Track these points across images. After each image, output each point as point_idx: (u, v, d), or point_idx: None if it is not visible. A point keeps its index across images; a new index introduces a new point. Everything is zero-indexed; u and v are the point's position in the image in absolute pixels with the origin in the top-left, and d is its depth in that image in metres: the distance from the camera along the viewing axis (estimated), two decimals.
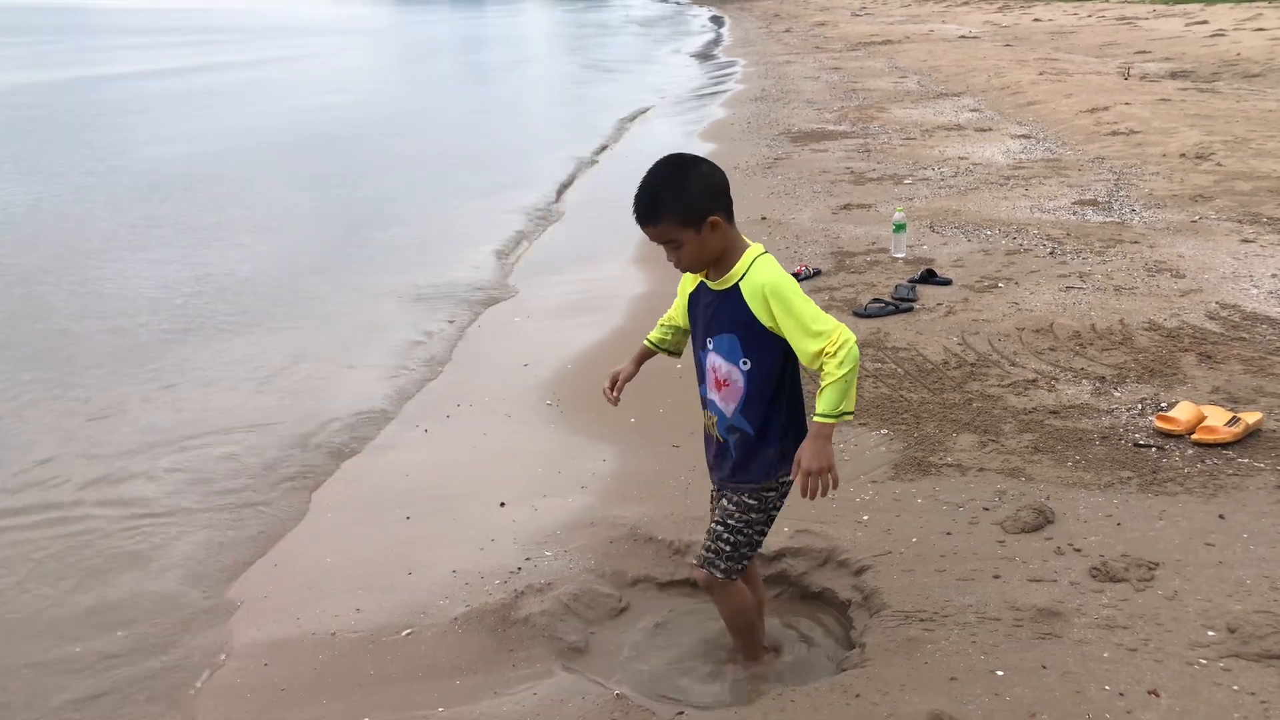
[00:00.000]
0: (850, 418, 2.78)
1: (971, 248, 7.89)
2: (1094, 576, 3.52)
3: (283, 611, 3.81)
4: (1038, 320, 6.09)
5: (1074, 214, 8.85)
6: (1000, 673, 3.04)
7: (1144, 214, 8.72)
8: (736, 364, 2.94)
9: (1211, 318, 6.02)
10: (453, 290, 7.95)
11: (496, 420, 5.47)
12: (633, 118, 17.47)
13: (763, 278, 2.82)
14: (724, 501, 3.11)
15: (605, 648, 3.53)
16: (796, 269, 7.36)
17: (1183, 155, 10.77)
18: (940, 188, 10.23)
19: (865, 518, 4.04)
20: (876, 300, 6.51)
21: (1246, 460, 4.27)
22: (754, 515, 3.05)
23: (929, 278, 6.97)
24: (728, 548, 3.05)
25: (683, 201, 2.79)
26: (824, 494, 2.81)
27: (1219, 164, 10.22)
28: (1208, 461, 4.28)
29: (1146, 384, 5.14)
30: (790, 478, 2.93)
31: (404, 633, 3.59)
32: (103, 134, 16.94)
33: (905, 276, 7.12)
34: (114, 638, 3.71)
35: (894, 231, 7.75)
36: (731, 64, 27.45)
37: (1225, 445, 4.40)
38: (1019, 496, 4.10)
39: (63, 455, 5.21)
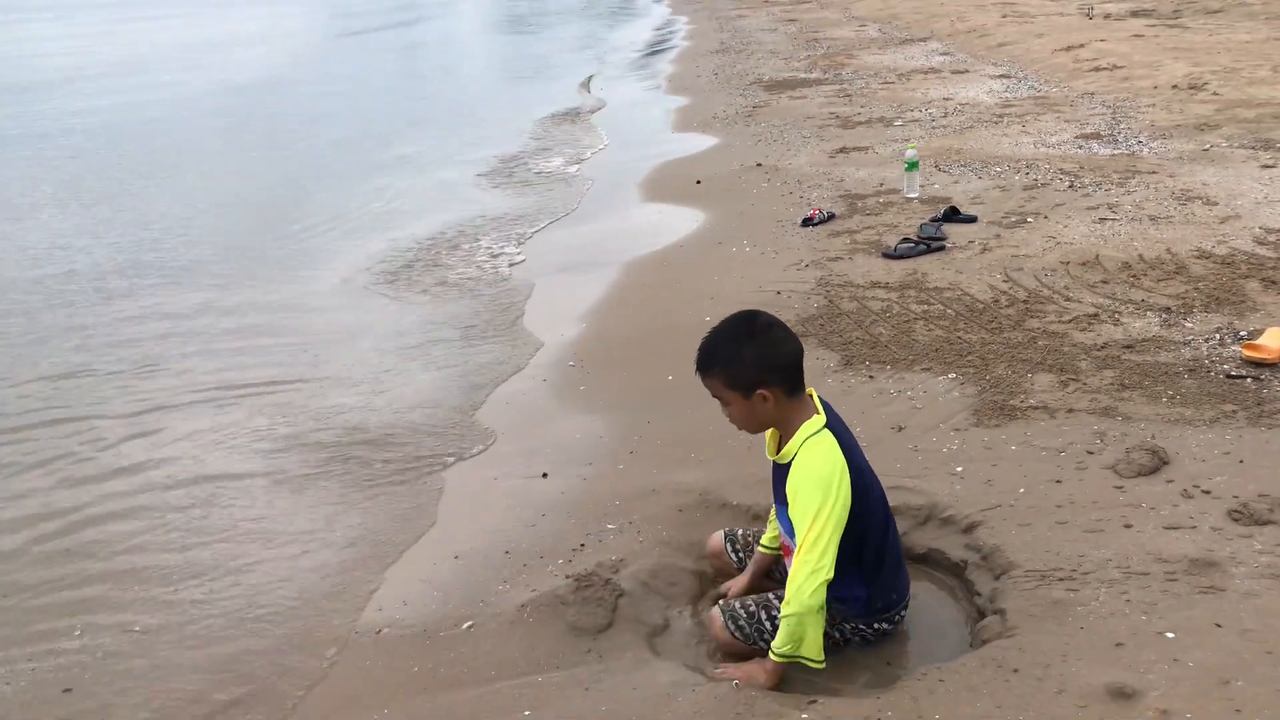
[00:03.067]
0: (816, 665, 2.68)
1: (985, 185, 7.52)
2: (1236, 520, 3.16)
3: (303, 608, 3.33)
4: (1081, 253, 5.74)
5: (1080, 148, 8.52)
6: (1171, 635, 2.66)
7: (1151, 145, 8.41)
8: (793, 539, 2.70)
9: (1260, 243, 5.70)
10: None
11: (520, 384, 5.00)
12: (588, 82, 16.86)
13: (799, 474, 2.66)
14: None
15: (696, 629, 3.10)
16: (810, 213, 6.94)
17: (1175, 87, 10.49)
18: (934, 128, 9.85)
19: (959, 469, 3.65)
20: (905, 240, 6.11)
21: None
22: (831, 631, 2.81)
23: (953, 215, 6.59)
24: (769, 624, 2.78)
25: (734, 366, 2.68)
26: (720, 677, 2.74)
27: (1215, 93, 9.95)
28: None
29: (1216, 313, 4.80)
30: (873, 633, 2.87)
31: (464, 626, 3.14)
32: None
33: (925, 216, 6.73)
34: None
35: (906, 170, 7.35)
36: (672, 22, 26.92)
37: None
38: (1122, 437, 3.73)
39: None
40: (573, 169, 10.08)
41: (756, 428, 2.82)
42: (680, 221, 7.53)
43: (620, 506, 3.69)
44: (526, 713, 2.73)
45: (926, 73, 13.51)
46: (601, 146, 11.08)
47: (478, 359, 5.36)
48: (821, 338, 4.94)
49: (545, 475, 4.04)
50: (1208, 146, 8.14)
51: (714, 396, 2.79)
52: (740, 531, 3.21)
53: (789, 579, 2.65)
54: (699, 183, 8.55)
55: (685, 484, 3.75)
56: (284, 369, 5.40)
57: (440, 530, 3.75)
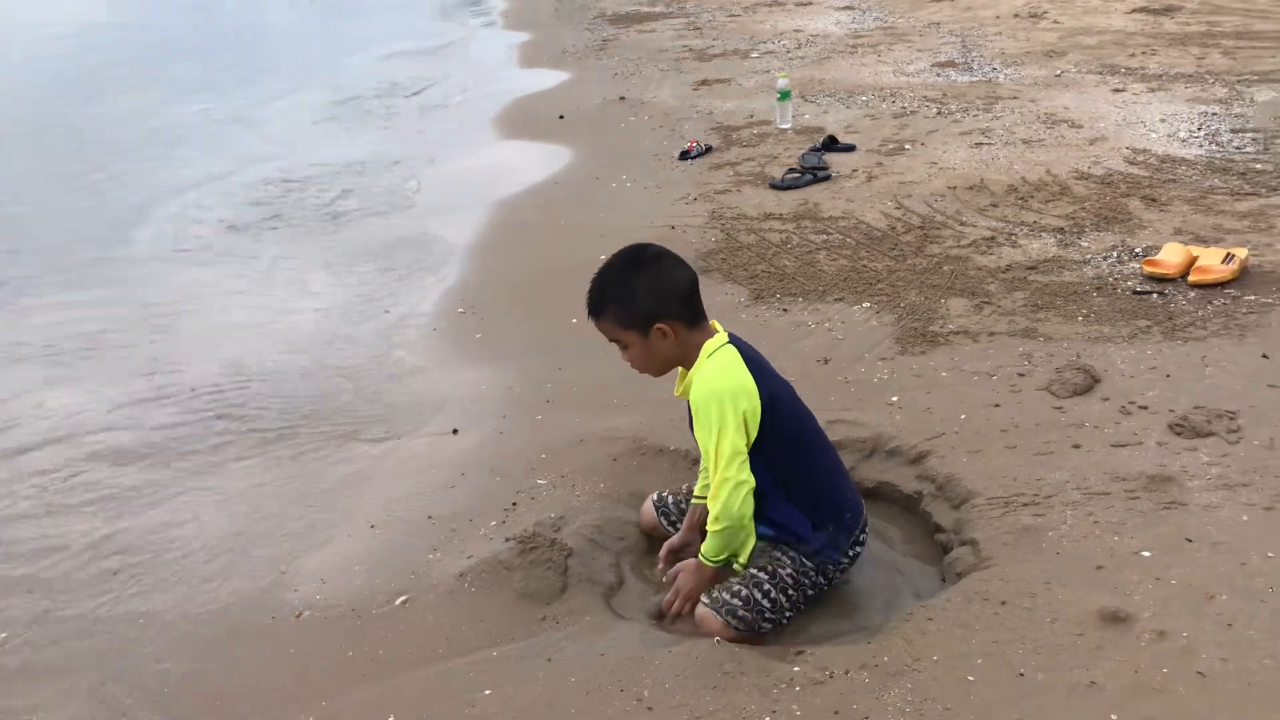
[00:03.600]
0: (734, 566, 2.61)
1: (854, 114, 7.47)
2: (1178, 434, 3.16)
3: (202, 593, 2.97)
4: (966, 178, 5.74)
5: (938, 75, 8.58)
6: (1147, 554, 2.62)
7: (1006, 71, 8.54)
8: None
9: (1132, 163, 5.83)
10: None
11: (408, 335, 4.65)
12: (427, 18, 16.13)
13: (701, 386, 2.51)
14: (775, 552, 2.66)
15: (650, 584, 2.90)
16: (687, 146, 6.74)
17: (1016, 16, 10.73)
18: (790, 59, 9.77)
19: (894, 398, 3.55)
20: (792, 170, 5.99)
21: (1253, 297, 4.03)
22: (808, 579, 2.65)
23: (832, 144, 6.51)
24: (765, 602, 2.59)
25: (627, 304, 2.52)
26: (676, 612, 2.65)
27: (1056, 22, 10.22)
28: (1215, 302, 4.02)
29: (1107, 231, 4.86)
30: (849, 561, 2.72)
31: (398, 601, 2.84)
32: None
33: (801, 146, 6.63)
34: None
35: (778, 100, 7.23)
36: None
37: (1224, 284, 4.14)
38: (1048, 358, 3.70)
39: None
40: (418, 108, 9.55)
41: (660, 368, 2.65)
42: (548, 158, 7.22)
43: (548, 460, 3.43)
44: (487, 692, 2.48)
45: (771, 5, 13.43)
46: (444, 84, 10.54)
47: (353, 312, 4.96)
48: (726, 272, 4.77)
49: (455, 432, 3.75)
50: (1059, 72, 8.32)
51: (611, 341, 2.62)
52: (671, 499, 3.00)
53: (710, 497, 2.53)
54: (562, 118, 8.22)
55: (614, 431, 3.53)
56: (140, 337, 4.87)
57: (347, 499, 3.41)
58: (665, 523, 2.97)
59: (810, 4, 13.36)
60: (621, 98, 8.58)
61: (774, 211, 5.49)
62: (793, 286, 4.54)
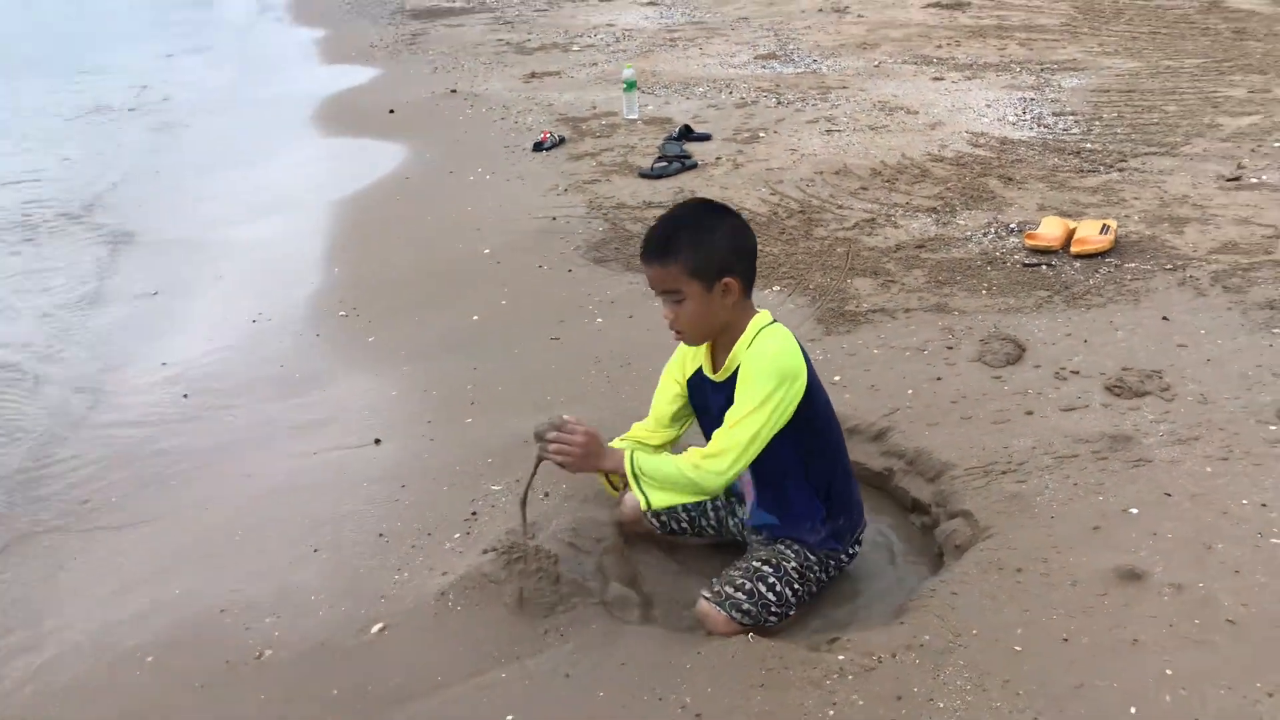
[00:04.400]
0: (638, 494, 2.42)
1: (697, 105, 7.50)
2: (1117, 395, 3.29)
3: (124, 641, 2.60)
4: (829, 163, 5.85)
5: (764, 68, 8.74)
6: (1135, 511, 2.70)
7: (826, 63, 8.80)
8: None
9: (976, 146, 6.10)
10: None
11: (287, 343, 4.27)
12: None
13: (760, 355, 2.36)
14: (779, 546, 2.58)
15: (649, 582, 2.76)
16: (540, 137, 6.56)
17: (820, 10, 11.10)
18: (613, 53, 9.74)
19: (836, 378, 3.54)
20: (661, 159, 5.93)
21: (1133, 264, 4.27)
22: (812, 574, 2.57)
23: (688, 134, 6.49)
24: (770, 595, 2.49)
25: (702, 249, 2.32)
26: (552, 457, 2.44)
27: (860, 16, 10.64)
28: (1101, 271, 4.23)
29: (977, 209, 5.05)
30: (849, 559, 2.66)
31: (374, 629, 2.57)
32: None
33: (655, 136, 6.59)
34: None
35: (625, 90, 7.15)
36: None
37: (1103, 254, 4.37)
38: (968, 331, 3.79)
39: None
40: (219, 105, 8.92)
41: (705, 333, 2.47)
42: (386, 154, 6.88)
43: (496, 464, 3.21)
44: (510, 718, 2.27)
45: (576, 0, 13.35)
46: (241, 82, 9.88)
47: (210, 326, 4.53)
48: (624, 262, 4.65)
49: (378, 441, 3.45)
50: (877, 63, 8.64)
51: (662, 292, 2.38)
52: None
53: (710, 446, 2.36)
54: (392, 112, 7.86)
55: (610, 433, 3.30)
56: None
57: (275, 523, 3.08)
58: (650, 513, 2.83)
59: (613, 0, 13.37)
60: (453, 91, 8.29)
61: (652, 200, 5.41)
62: None
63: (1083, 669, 2.19)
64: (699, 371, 2.59)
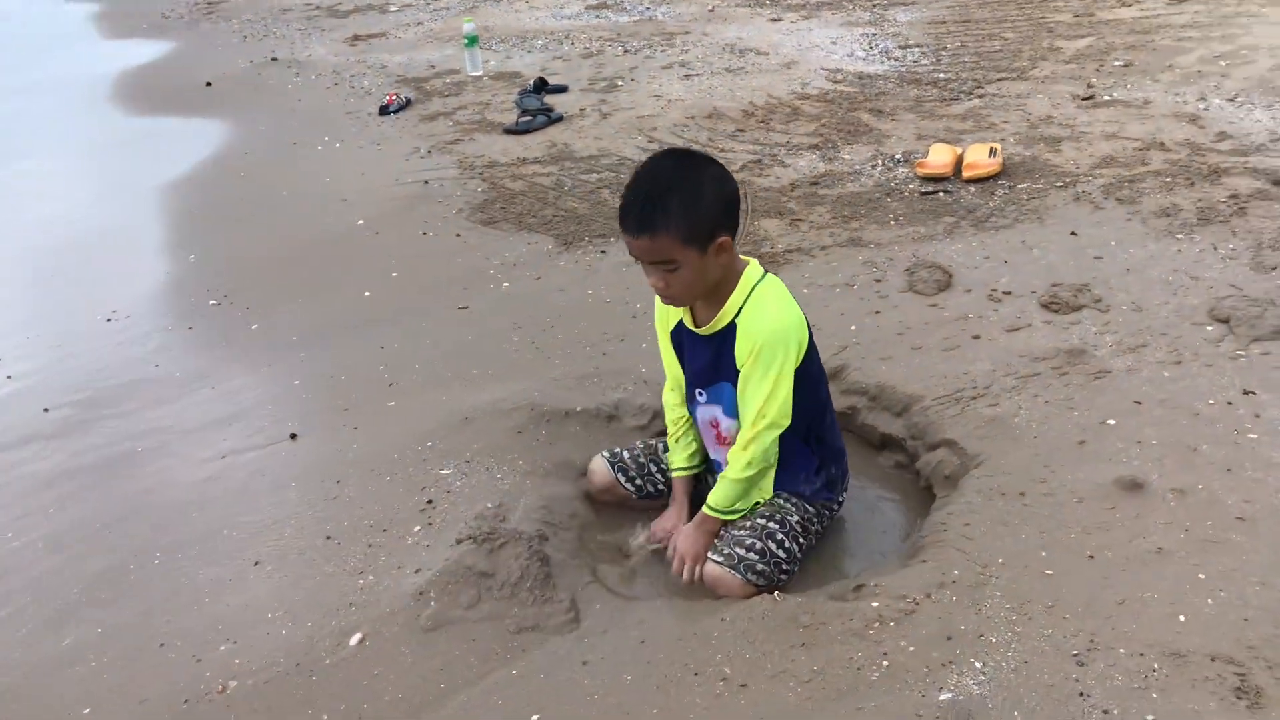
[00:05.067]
0: (736, 517, 2.42)
1: (542, 57, 7.23)
2: (1055, 310, 3.31)
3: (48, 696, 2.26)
4: (699, 108, 5.72)
5: (598, 17, 8.54)
6: (1112, 422, 2.70)
7: (661, 9, 8.67)
8: (732, 414, 2.38)
9: (836, 82, 6.10)
10: None
11: (159, 341, 3.83)
12: None
13: (766, 325, 2.23)
14: (778, 500, 2.46)
15: (635, 553, 2.58)
16: (385, 100, 6.17)
17: None
18: (435, 11, 9.30)
19: None
20: (525, 114, 5.65)
21: (1025, 185, 4.33)
22: (813, 525, 2.48)
23: (543, 86, 6.22)
24: (781, 552, 2.37)
25: (694, 213, 2.11)
26: (688, 581, 2.38)
27: None
28: (997, 194, 4.27)
29: (859, 143, 5.03)
30: (837, 508, 2.56)
31: (352, 641, 2.30)
32: None
33: (506, 92, 6.30)
34: None
35: (466, 47, 6.81)
36: None
37: (994, 177, 4.42)
38: (890, 262, 3.75)
39: None
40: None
41: (699, 294, 2.29)
42: (216, 130, 6.32)
43: (437, 448, 2.95)
44: (535, 717, 2.06)
45: None
46: (7, 67, 8.93)
47: (50, 323, 4.03)
48: (516, 221, 4.40)
49: (294, 436, 3.13)
50: (711, 8, 8.56)
51: (651, 263, 2.18)
52: (627, 454, 2.69)
53: (743, 443, 2.31)
54: (209, 85, 7.24)
55: (502, 403, 3.09)
56: None
57: (197, 540, 2.72)
58: (624, 479, 2.65)
59: None
60: (274, 59, 7.72)
61: (525, 156, 5.15)
62: (596, 227, 4.26)
63: (1119, 584, 2.15)
64: (679, 324, 2.43)
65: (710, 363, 2.38)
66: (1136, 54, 6.06)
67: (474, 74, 6.78)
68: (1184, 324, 3.14)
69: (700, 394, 2.45)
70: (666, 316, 2.46)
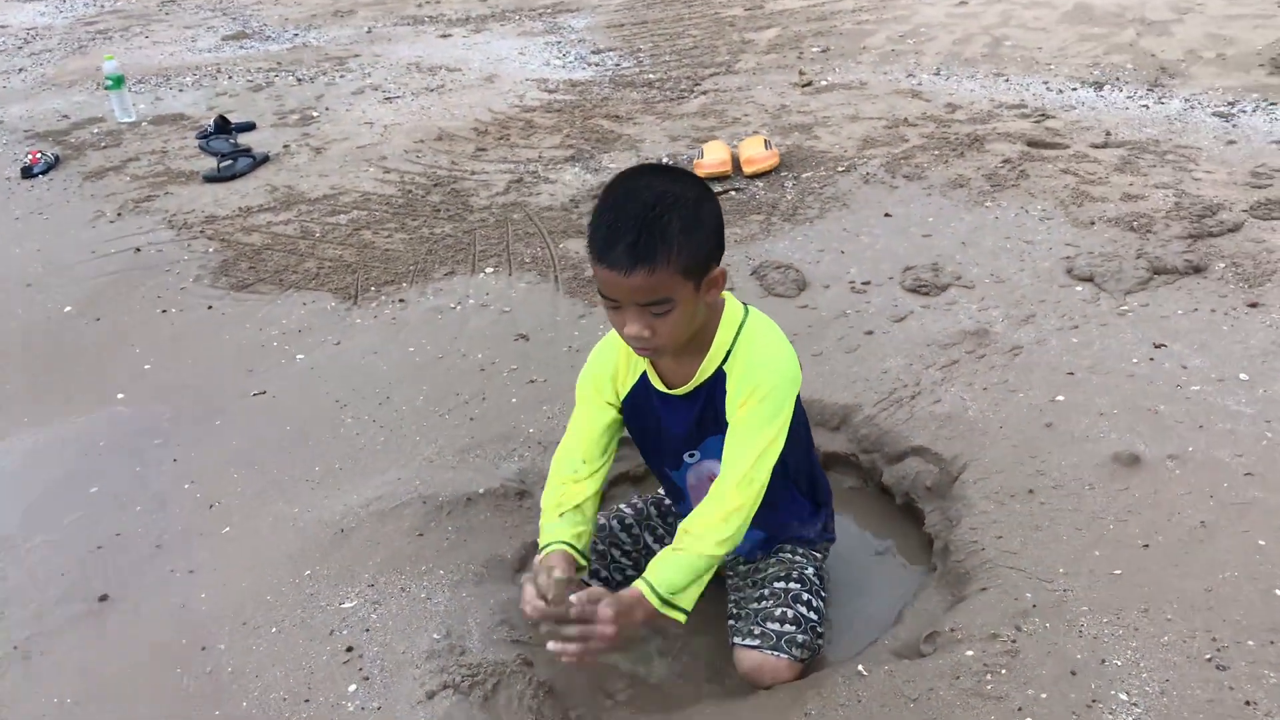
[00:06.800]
0: (680, 617, 1.77)
1: (201, 95, 6.31)
2: (925, 293, 3.21)
3: None
4: (423, 130, 5.20)
5: (244, 48, 7.63)
6: (1061, 398, 2.61)
7: (310, 35, 7.93)
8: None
9: (550, 91, 5.81)
10: None
11: None
12: None
13: (768, 368, 1.82)
14: (784, 556, 2.12)
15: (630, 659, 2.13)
16: (29, 160, 5.07)
17: None
18: (37, 55, 7.93)
19: None
20: (225, 158, 4.83)
21: (808, 174, 4.26)
22: (825, 574, 2.17)
23: (226, 125, 5.38)
24: (813, 615, 2.02)
25: (695, 239, 1.68)
26: (582, 658, 1.72)
27: None
28: (787, 186, 4.17)
29: (614, 150, 4.77)
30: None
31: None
32: None
33: (176, 137, 5.41)
34: None
35: (111, 89, 5.78)
36: None
37: (776, 170, 4.31)
38: (729, 266, 3.49)
39: None
40: None
41: (684, 339, 1.81)
42: None
43: (321, 574, 2.30)
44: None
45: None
46: None
47: None
48: (275, 279, 3.69)
49: (104, 598, 2.34)
50: (367, 29, 7.95)
51: (643, 304, 1.68)
52: (616, 522, 2.24)
53: (729, 506, 1.78)
54: None
55: (376, 502, 2.48)
56: None
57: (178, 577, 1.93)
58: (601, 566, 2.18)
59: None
60: None
61: (247, 205, 4.38)
62: (377, 275, 3.67)
63: (1191, 569, 2.02)
64: (641, 384, 1.96)
65: (692, 430, 1.96)
66: (826, 39, 6.26)
67: (126, 120, 5.76)
68: (1052, 288, 3.14)
69: (691, 455, 2.02)
70: (616, 377, 1.97)
